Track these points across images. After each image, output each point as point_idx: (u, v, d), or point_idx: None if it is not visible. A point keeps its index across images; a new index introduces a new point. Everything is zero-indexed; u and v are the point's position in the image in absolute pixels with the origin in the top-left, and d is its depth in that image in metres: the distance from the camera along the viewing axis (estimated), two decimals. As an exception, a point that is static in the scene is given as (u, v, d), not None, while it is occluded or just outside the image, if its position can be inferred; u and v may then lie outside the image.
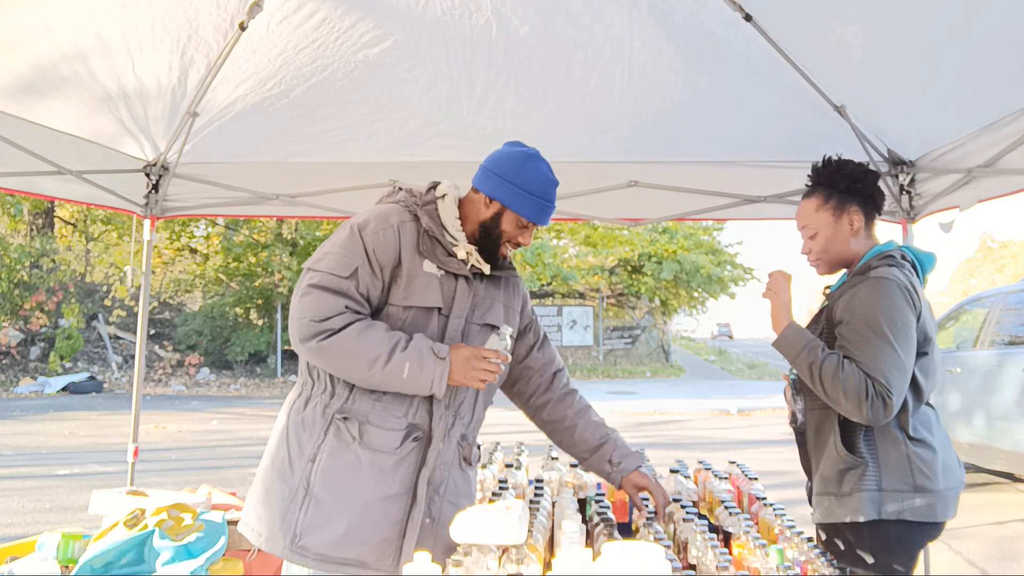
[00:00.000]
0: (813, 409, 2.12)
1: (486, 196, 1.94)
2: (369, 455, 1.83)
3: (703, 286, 22.24)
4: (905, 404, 1.97)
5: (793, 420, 2.22)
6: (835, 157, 2.20)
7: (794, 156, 3.47)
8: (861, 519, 1.97)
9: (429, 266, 1.89)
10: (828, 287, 2.28)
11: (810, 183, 2.22)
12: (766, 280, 2.19)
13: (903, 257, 2.10)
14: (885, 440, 1.99)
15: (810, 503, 2.18)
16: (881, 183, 2.24)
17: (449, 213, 1.96)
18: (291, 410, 1.92)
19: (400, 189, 2.01)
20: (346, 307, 1.77)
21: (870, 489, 1.97)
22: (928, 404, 2.07)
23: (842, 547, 2.03)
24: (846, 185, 2.14)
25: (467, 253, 1.95)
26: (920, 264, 2.15)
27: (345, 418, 1.83)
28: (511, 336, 1.96)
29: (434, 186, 2.02)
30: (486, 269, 2.00)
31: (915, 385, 1.99)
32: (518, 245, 2.00)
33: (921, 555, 2.10)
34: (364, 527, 1.81)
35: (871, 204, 2.15)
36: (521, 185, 1.92)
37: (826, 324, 2.11)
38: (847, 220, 2.13)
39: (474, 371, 1.83)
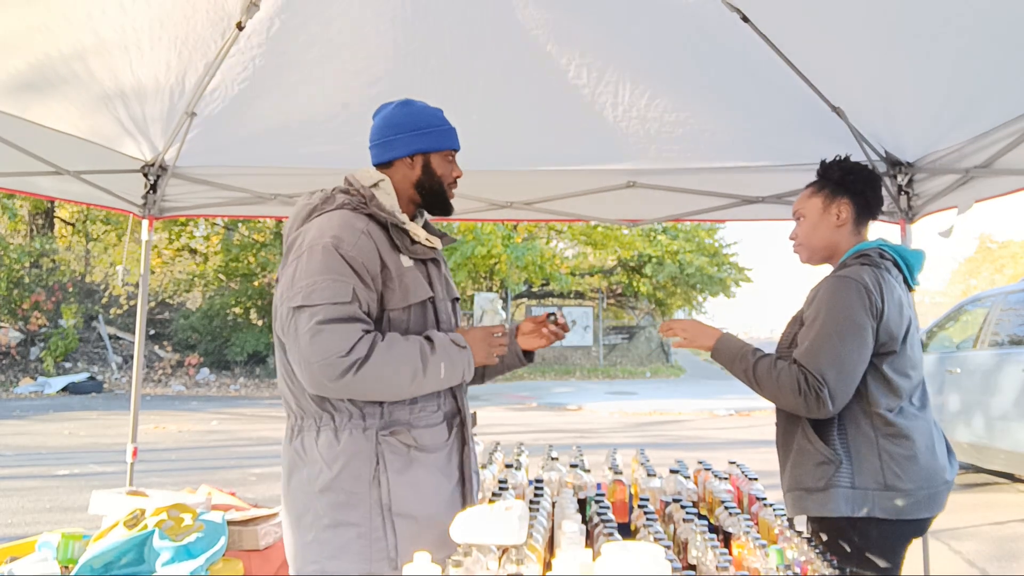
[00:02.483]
0: (781, 409, 2.16)
1: (406, 158, 1.92)
2: (428, 456, 1.83)
3: (702, 286, 22.22)
4: (877, 401, 2.00)
5: None
6: (842, 155, 2.25)
7: (792, 157, 3.47)
8: (833, 515, 1.98)
9: (405, 260, 1.86)
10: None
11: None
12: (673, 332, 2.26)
13: (882, 255, 2.12)
14: (857, 437, 2.00)
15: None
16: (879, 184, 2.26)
17: (390, 200, 1.92)
18: (322, 451, 1.77)
19: (338, 192, 1.91)
20: (363, 331, 1.71)
21: (843, 486, 1.98)
22: (912, 403, 2.07)
23: (821, 541, 2.04)
24: (839, 176, 2.19)
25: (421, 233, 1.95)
26: (906, 262, 2.17)
27: (392, 432, 1.79)
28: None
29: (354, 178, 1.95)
30: (438, 244, 2.00)
31: (888, 383, 2.01)
32: (455, 181, 2.00)
33: (910, 554, 2.10)
34: (448, 523, 1.79)
35: (861, 200, 2.18)
36: (423, 127, 1.93)
37: (800, 324, 2.13)
38: (835, 210, 2.18)
39: (491, 348, 1.91)
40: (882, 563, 1.98)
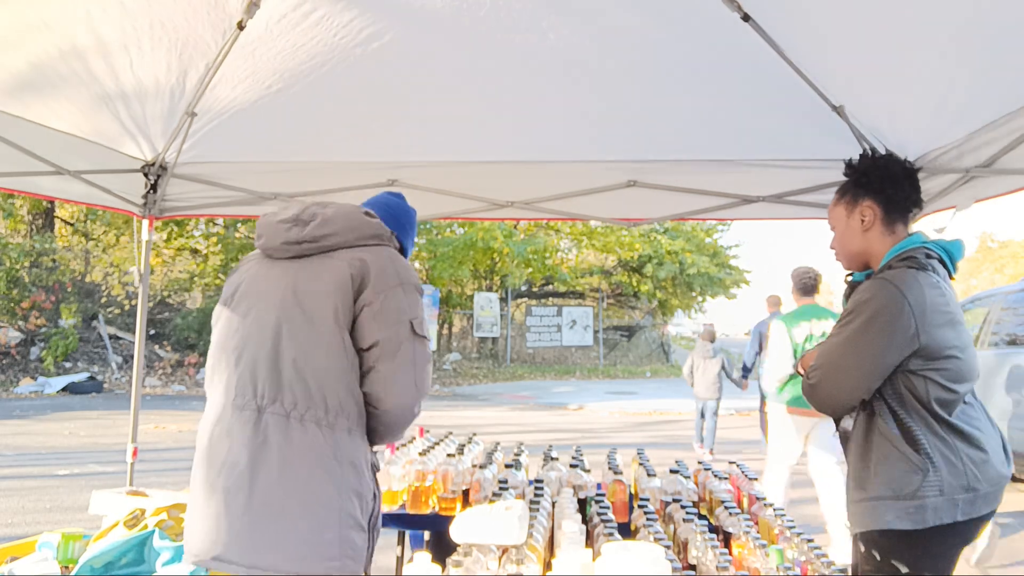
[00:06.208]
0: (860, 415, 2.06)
1: (395, 238, 2.05)
2: None
3: (703, 287, 22.23)
4: (943, 408, 1.91)
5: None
6: (868, 152, 2.17)
7: (792, 156, 3.47)
8: (922, 526, 1.86)
9: None
10: (849, 274, 2.24)
11: None
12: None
13: (928, 255, 2.01)
14: (938, 444, 1.90)
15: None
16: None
17: None
18: (359, 452, 1.81)
19: (387, 235, 1.99)
20: None
21: (933, 494, 1.86)
22: (965, 402, 1.98)
23: (881, 556, 1.93)
24: (855, 179, 2.13)
25: None
26: (949, 255, 2.07)
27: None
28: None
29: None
30: None
31: (948, 390, 1.91)
32: None
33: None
34: None
35: (883, 198, 2.08)
36: (413, 237, 2.25)
37: None
38: (858, 215, 2.10)
39: None
40: (947, 565, 1.92)
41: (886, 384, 1.95)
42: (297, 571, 1.67)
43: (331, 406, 1.77)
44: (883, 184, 2.09)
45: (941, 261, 2.04)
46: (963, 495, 1.86)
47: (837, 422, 2.16)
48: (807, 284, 4.88)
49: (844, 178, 2.20)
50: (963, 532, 1.92)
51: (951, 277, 2.07)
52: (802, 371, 2.15)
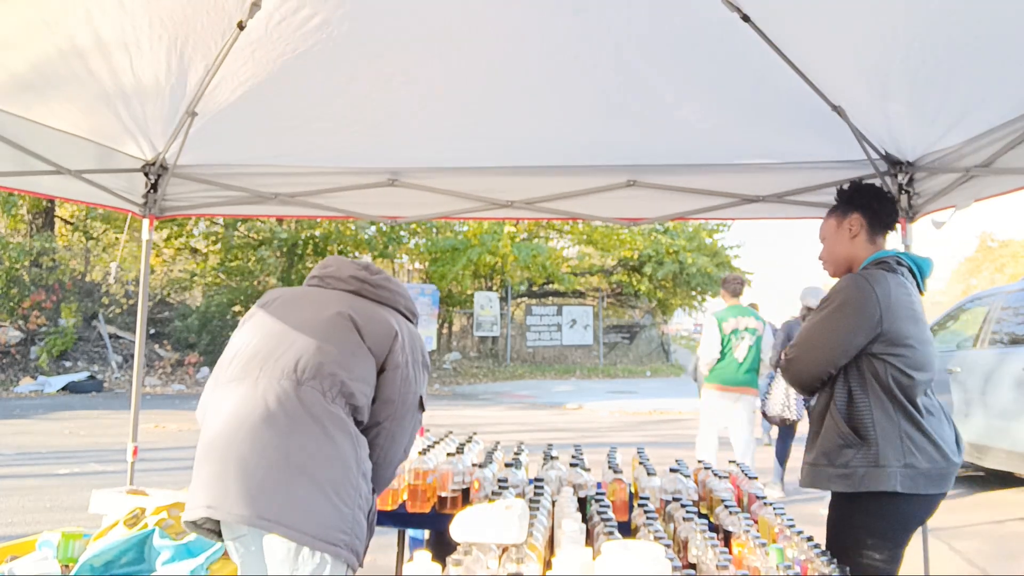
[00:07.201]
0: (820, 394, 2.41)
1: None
2: None
3: (703, 286, 22.19)
4: (898, 390, 2.21)
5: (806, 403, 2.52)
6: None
7: (793, 157, 3.47)
8: (857, 489, 2.18)
9: None
10: None
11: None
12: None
13: (898, 263, 2.36)
14: (883, 420, 2.20)
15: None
16: (879, 183, 2.41)
17: None
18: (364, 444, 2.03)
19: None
20: None
21: (868, 464, 2.17)
22: (927, 395, 2.29)
23: (836, 515, 2.30)
24: (847, 195, 2.50)
25: None
26: (918, 268, 2.39)
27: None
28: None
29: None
30: None
31: (906, 375, 2.22)
32: None
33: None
34: None
35: (869, 212, 2.44)
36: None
37: None
38: (847, 225, 2.46)
39: None
40: (895, 534, 2.20)
41: (852, 366, 2.26)
42: (317, 535, 1.80)
43: (354, 405, 2.00)
44: (870, 200, 2.46)
45: (911, 271, 2.38)
46: (901, 469, 2.15)
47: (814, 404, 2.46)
48: (735, 288, 6.08)
49: (843, 177, 2.54)
50: (908, 506, 2.19)
51: (921, 292, 2.40)
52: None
